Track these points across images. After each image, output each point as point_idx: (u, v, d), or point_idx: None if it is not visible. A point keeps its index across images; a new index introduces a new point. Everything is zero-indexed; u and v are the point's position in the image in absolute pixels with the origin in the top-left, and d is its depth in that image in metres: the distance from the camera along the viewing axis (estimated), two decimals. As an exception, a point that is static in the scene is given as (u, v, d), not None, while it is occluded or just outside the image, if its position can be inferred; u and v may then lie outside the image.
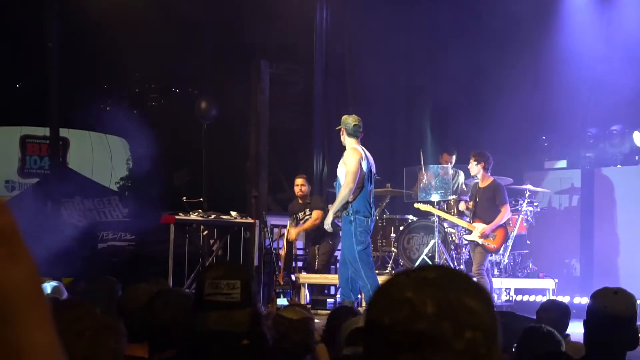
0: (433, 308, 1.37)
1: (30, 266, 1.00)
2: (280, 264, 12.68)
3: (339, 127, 10.09)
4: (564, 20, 15.10)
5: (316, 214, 12.47)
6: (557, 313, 6.01)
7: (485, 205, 11.64)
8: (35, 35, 15.51)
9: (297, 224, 12.58)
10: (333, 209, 10.01)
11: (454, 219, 12.01)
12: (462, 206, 12.06)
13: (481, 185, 11.70)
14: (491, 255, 11.90)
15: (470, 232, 11.69)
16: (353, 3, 16.04)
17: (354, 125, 9.95)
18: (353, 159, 9.84)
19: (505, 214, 11.59)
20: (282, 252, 12.51)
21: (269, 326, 4.66)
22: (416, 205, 12.20)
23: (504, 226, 11.73)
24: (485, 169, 11.51)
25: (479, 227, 11.55)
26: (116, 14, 13.96)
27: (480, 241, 11.49)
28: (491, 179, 11.66)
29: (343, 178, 9.88)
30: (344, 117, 10.16)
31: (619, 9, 14.59)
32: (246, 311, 3.11)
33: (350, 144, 9.98)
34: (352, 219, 9.78)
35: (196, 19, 15.46)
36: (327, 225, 10.43)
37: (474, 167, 11.52)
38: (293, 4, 14.87)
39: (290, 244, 12.50)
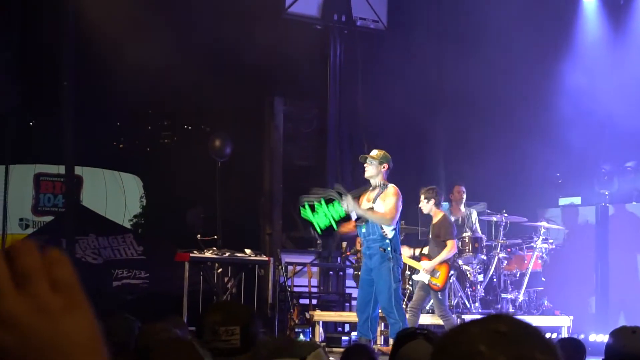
0: None
1: (89, 317, 1.01)
2: (293, 300, 12.67)
3: (383, 163, 9.88)
4: (577, 56, 15.14)
5: None
6: (573, 350, 5.97)
7: (434, 242, 11.17)
8: (50, 73, 15.60)
9: None
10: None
11: (408, 260, 11.39)
12: (405, 252, 11.34)
13: (433, 222, 11.20)
14: (441, 295, 10.96)
15: (418, 271, 11.13)
16: (367, 41, 16.10)
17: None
18: (397, 201, 9.85)
19: (451, 249, 10.98)
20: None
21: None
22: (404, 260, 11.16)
23: (448, 262, 11.06)
24: (436, 204, 11.04)
25: (424, 265, 11.02)
26: (131, 53, 14.04)
27: (426, 280, 10.96)
28: (442, 214, 11.15)
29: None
30: (385, 152, 9.99)
31: (632, 44, 14.63)
32: (247, 356, 3.09)
33: (390, 184, 9.97)
34: (390, 256, 9.79)
35: (210, 55, 15.54)
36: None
37: (425, 205, 11.04)
38: (307, 41, 14.94)
39: None
